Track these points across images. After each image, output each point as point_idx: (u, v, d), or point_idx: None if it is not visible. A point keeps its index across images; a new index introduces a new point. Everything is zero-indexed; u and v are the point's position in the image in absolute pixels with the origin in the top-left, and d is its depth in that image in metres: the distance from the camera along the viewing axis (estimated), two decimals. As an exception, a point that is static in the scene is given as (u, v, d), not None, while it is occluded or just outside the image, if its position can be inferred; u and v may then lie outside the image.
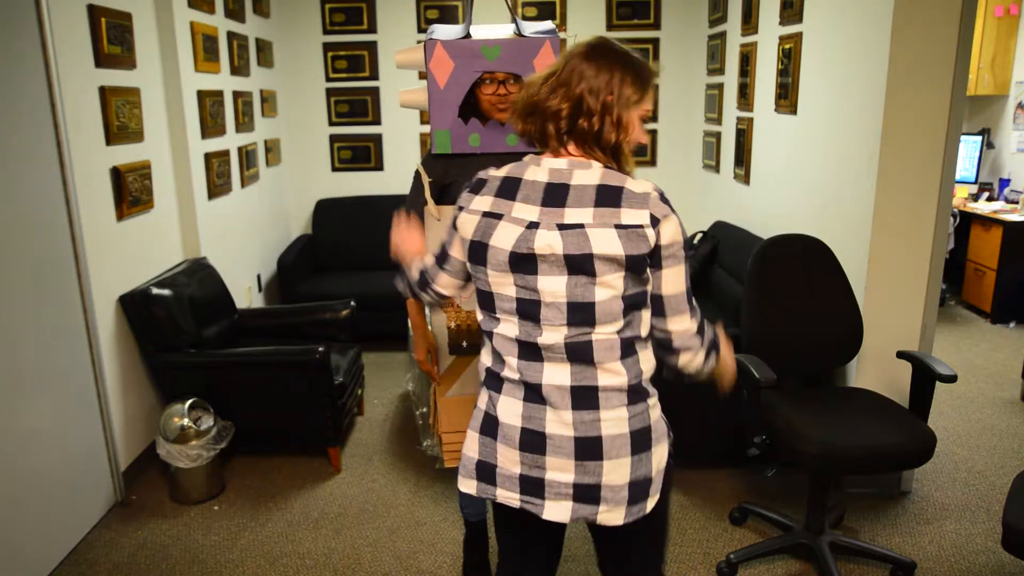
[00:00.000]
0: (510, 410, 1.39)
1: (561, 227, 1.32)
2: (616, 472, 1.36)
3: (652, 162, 5.26)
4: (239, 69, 4.19)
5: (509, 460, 1.40)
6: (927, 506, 2.84)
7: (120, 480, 2.94)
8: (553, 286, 1.33)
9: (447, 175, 2.08)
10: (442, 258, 1.52)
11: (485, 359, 1.46)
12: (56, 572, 2.53)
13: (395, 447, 3.40)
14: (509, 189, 1.39)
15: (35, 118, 2.53)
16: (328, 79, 5.11)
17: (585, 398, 1.35)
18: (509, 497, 1.42)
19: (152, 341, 3.03)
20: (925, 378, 2.40)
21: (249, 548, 2.66)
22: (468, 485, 1.47)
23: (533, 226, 1.33)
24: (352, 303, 3.70)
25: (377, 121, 5.17)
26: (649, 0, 4.99)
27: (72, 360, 2.71)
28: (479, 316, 1.45)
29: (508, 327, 1.39)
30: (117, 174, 3.00)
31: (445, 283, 1.55)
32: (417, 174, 2.11)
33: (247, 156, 4.31)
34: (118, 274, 3.00)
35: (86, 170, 2.79)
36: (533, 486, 1.39)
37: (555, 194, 1.35)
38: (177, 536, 2.74)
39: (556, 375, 1.35)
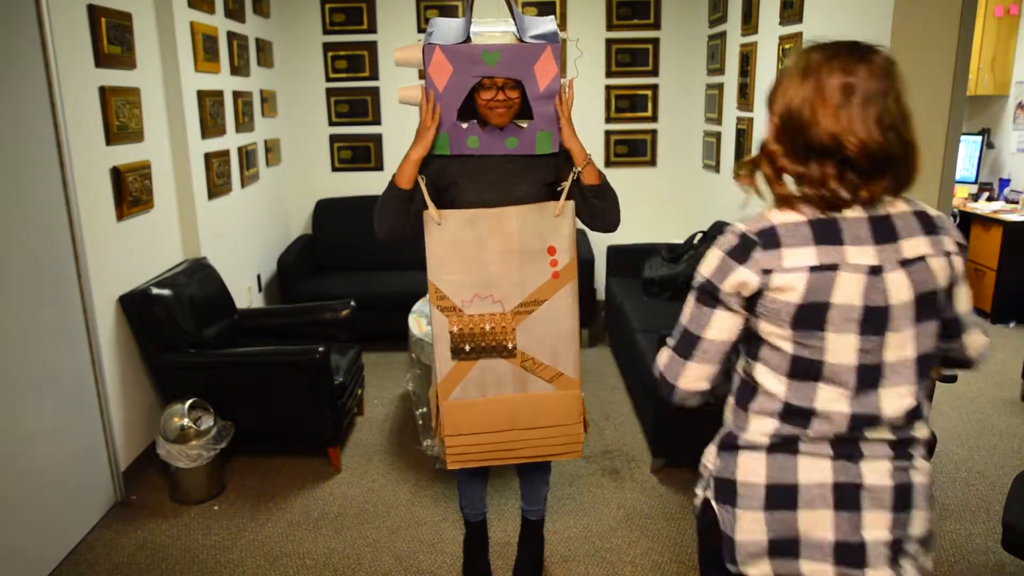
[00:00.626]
0: (826, 476, 1.21)
1: (904, 264, 1.16)
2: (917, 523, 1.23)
3: (652, 162, 5.27)
4: (239, 69, 4.19)
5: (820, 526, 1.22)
6: (927, 506, 2.84)
7: (120, 480, 2.94)
8: (903, 341, 1.16)
9: (445, 175, 2.07)
10: (690, 345, 1.27)
11: (751, 426, 1.25)
12: (56, 572, 2.53)
13: (395, 447, 3.40)
14: (839, 233, 1.16)
15: (35, 118, 2.53)
16: (328, 79, 5.11)
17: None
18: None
19: (152, 341, 3.03)
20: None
21: (249, 548, 2.66)
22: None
23: (876, 271, 1.15)
24: (352, 303, 3.70)
25: (377, 121, 5.17)
26: (649, 0, 4.99)
27: (72, 360, 2.72)
28: (769, 383, 1.23)
29: (833, 399, 1.18)
30: (117, 174, 3.00)
31: (696, 375, 1.28)
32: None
33: (247, 156, 4.31)
34: (118, 274, 3.00)
35: (86, 170, 2.79)
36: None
37: (883, 228, 1.17)
38: (177, 536, 2.74)
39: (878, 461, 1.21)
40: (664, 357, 1.31)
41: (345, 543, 2.68)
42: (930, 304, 1.18)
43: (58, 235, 2.64)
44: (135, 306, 2.99)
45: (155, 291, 3.02)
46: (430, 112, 1.95)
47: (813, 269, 1.15)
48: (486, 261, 2.03)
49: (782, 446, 1.24)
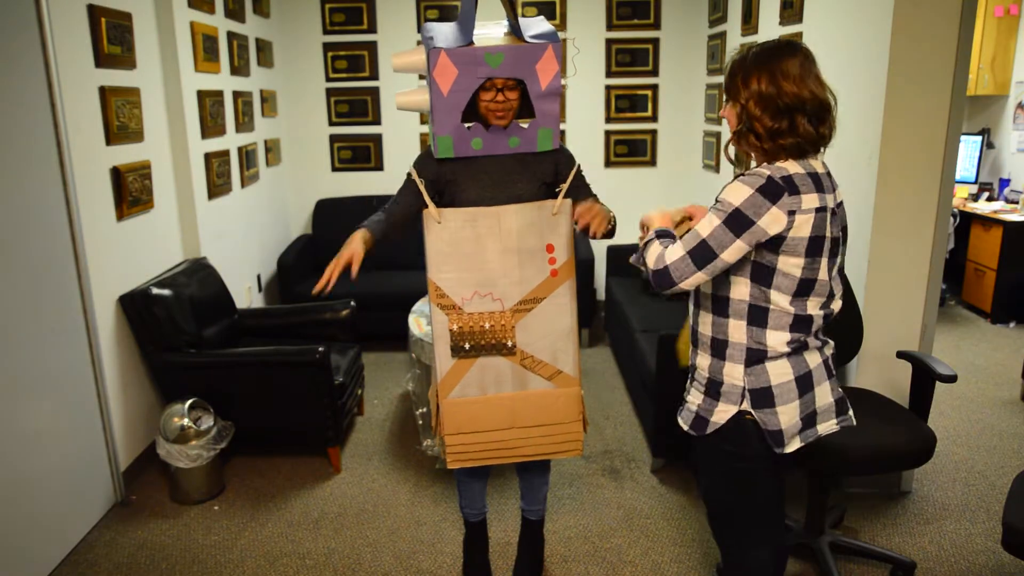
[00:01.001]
0: (817, 360, 1.69)
1: (837, 207, 1.62)
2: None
3: (652, 162, 5.27)
4: (239, 69, 4.19)
5: (825, 393, 1.72)
6: (927, 506, 2.84)
7: (120, 480, 2.94)
8: (837, 262, 1.65)
9: (445, 174, 2.08)
10: (707, 258, 1.56)
11: (774, 340, 1.63)
12: (56, 572, 2.53)
13: (395, 447, 3.40)
14: (821, 183, 1.57)
15: (35, 118, 2.53)
16: (328, 79, 5.11)
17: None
18: (830, 427, 1.74)
19: (152, 341, 3.03)
20: (925, 378, 2.40)
21: (249, 548, 2.66)
22: (795, 444, 1.68)
23: (833, 212, 1.59)
24: (352, 303, 3.70)
25: (377, 121, 5.17)
26: (649, 0, 4.99)
27: (72, 360, 2.71)
28: (783, 302, 1.61)
29: (814, 306, 1.63)
30: (117, 174, 3.00)
31: (697, 281, 1.60)
32: (409, 177, 2.11)
33: (247, 156, 4.31)
34: (118, 274, 3.00)
35: (86, 170, 2.79)
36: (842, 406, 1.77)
37: (829, 180, 1.62)
38: (177, 536, 2.74)
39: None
40: (675, 256, 1.59)
41: (345, 543, 2.68)
42: (844, 235, 1.67)
43: (58, 235, 2.64)
44: (135, 306, 2.99)
45: (155, 291, 3.02)
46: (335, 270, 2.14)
47: (818, 211, 1.54)
48: (485, 259, 2.04)
49: (798, 349, 1.65)
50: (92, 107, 2.86)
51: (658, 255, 1.61)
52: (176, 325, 3.04)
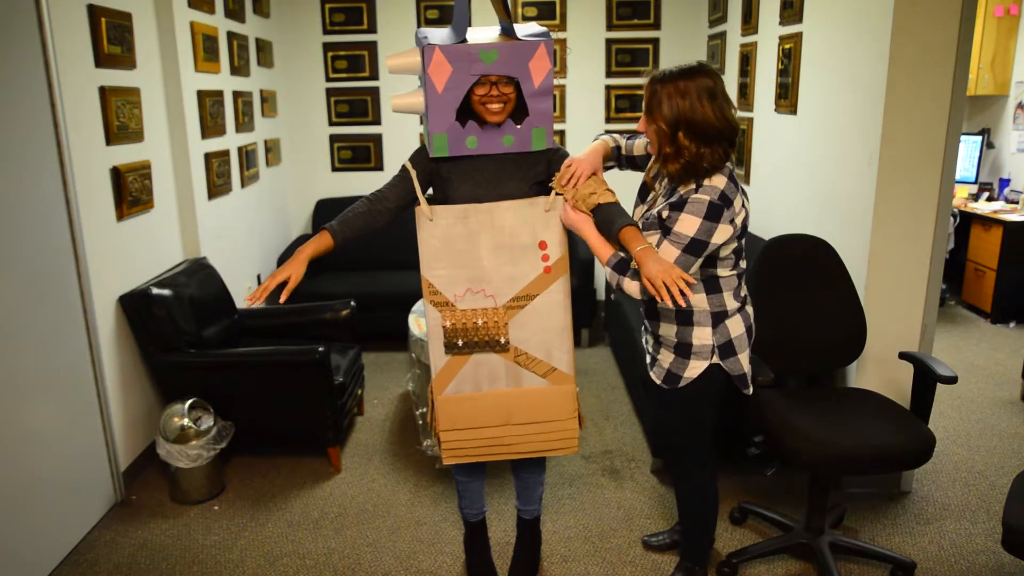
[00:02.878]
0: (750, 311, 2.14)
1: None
2: None
3: (652, 162, 5.26)
4: (239, 69, 4.19)
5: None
6: (927, 506, 2.84)
7: (120, 480, 2.94)
8: None
9: (438, 172, 2.08)
10: (700, 250, 1.90)
11: (730, 302, 2.03)
12: (56, 572, 2.53)
13: (395, 447, 3.40)
14: (734, 177, 1.96)
15: (35, 118, 2.53)
16: (328, 79, 5.11)
17: None
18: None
19: (152, 341, 3.03)
20: (926, 379, 2.39)
21: (249, 548, 2.66)
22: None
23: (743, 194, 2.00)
24: (352, 303, 3.70)
25: (377, 121, 5.17)
26: (649, 0, 4.99)
27: (72, 360, 2.72)
28: (727, 272, 2.01)
29: (741, 264, 2.05)
30: (117, 174, 3.00)
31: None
32: (404, 170, 2.11)
33: (247, 156, 4.31)
34: (118, 274, 3.00)
35: (86, 170, 2.79)
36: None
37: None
38: (177, 536, 2.74)
39: None
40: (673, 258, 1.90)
41: (345, 543, 2.68)
42: None
43: (58, 235, 2.64)
44: (135, 306, 2.99)
45: (155, 291, 3.02)
46: (270, 286, 2.14)
47: (743, 207, 1.95)
48: (478, 256, 2.04)
49: (742, 305, 2.09)
50: (92, 107, 2.86)
51: (639, 288, 1.88)
52: (176, 325, 3.04)
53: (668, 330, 2.08)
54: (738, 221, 1.93)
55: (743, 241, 2.03)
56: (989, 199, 5.44)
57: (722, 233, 1.90)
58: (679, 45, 5.05)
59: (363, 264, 4.93)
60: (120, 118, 3.01)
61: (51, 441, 2.57)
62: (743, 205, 1.95)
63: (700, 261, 1.92)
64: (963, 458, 3.20)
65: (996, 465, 3.14)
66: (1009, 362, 4.30)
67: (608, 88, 5.13)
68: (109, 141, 2.95)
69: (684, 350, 2.06)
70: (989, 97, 5.57)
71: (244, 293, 4.26)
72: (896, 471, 2.83)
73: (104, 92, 2.91)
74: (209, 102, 3.73)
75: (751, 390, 2.12)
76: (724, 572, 2.43)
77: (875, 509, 2.82)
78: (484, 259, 2.04)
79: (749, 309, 2.12)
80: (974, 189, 5.55)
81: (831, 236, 2.76)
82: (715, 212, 1.88)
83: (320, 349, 3.01)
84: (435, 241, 2.05)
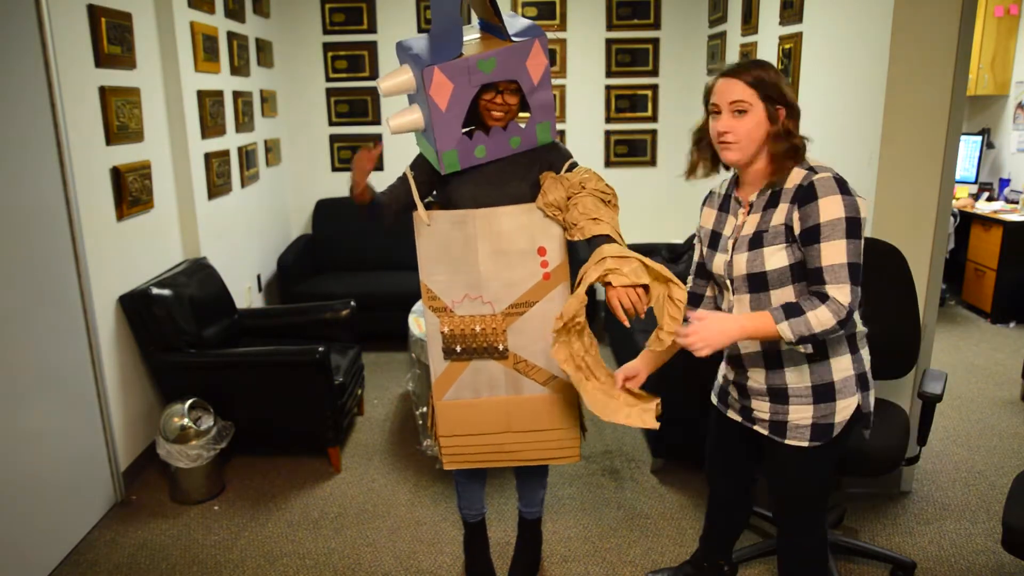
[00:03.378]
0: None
1: None
2: None
3: (652, 162, 5.27)
4: (239, 69, 4.19)
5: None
6: (927, 506, 2.84)
7: (120, 480, 2.94)
8: None
9: (439, 174, 2.07)
10: (860, 272, 1.65)
11: (858, 322, 1.78)
12: (56, 572, 2.53)
13: (395, 447, 3.40)
14: None
15: (35, 118, 2.53)
16: (328, 79, 5.11)
17: None
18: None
19: (152, 341, 3.03)
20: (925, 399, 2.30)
21: (249, 548, 2.66)
22: None
23: None
24: (352, 303, 3.70)
25: (377, 121, 5.17)
26: (649, 0, 4.99)
27: (72, 360, 2.71)
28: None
29: None
30: (117, 174, 3.00)
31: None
32: (404, 177, 2.10)
33: (247, 156, 4.31)
34: (118, 274, 3.00)
35: (86, 170, 2.79)
36: None
37: None
38: (177, 536, 2.74)
39: None
40: (845, 295, 1.61)
41: (345, 543, 2.68)
42: None
43: (58, 235, 2.64)
44: (135, 306, 2.99)
45: (155, 291, 3.02)
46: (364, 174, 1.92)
47: None
48: (475, 262, 2.02)
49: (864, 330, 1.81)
50: (92, 107, 2.86)
51: (832, 310, 1.59)
52: (176, 325, 3.04)
53: (799, 377, 1.75)
54: (864, 205, 1.67)
55: None
56: (989, 199, 5.44)
57: (863, 205, 1.64)
58: (679, 45, 5.05)
59: (363, 264, 4.93)
60: (120, 118, 3.01)
61: (51, 441, 2.57)
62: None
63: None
64: (963, 458, 3.20)
65: (996, 465, 3.14)
66: (1009, 362, 4.30)
67: (608, 88, 5.13)
68: (109, 141, 2.95)
69: (826, 393, 1.73)
70: (989, 97, 5.56)
71: (244, 294, 4.26)
72: (861, 476, 2.77)
73: (104, 92, 2.91)
74: (209, 102, 3.73)
75: (869, 432, 1.88)
76: (724, 572, 2.43)
77: (875, 509, 2.82)
78: (481, 265, 2.02)
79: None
80: (974, 189, 5.55)
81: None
82: (845, 185, 1.63)
83: (320, 349, 3.01)
84: (433, 247, 2.04)
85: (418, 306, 3.43)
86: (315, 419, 3.11)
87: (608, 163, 5.24)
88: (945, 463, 3.15)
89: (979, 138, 5.46)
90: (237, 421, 3.07)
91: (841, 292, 1.60)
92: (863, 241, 1.64)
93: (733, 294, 1.80)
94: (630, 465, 3.19)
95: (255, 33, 4.51)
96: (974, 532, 2.67)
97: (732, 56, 4.41)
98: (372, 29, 5.03)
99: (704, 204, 1.98)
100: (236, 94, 4.14)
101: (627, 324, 1.79)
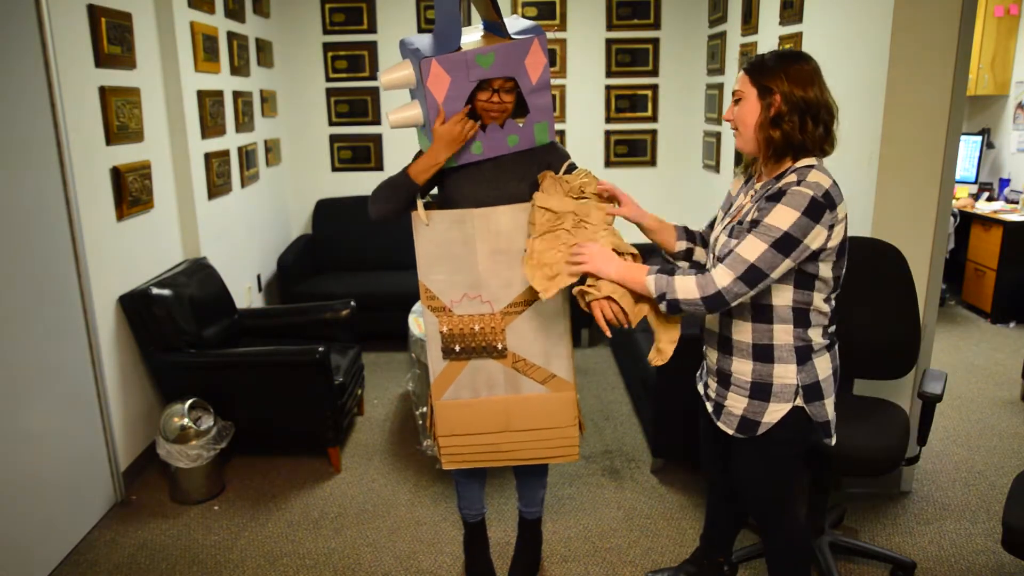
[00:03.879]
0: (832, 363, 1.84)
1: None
2: None
3: (652, 162, 5.27)
4: (239, 69, 4.19)
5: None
6: (927, 506, 2.84)
7: (120, 480, 2.94)
8: None
9: (439, 172, 2.07)
10: (758, 279, 1.66)
11: (816, 337, 1.78)
12: (56, 572, 2.53)
13: (395, 447, 3.40)
14: (839, 190, 1.70)
15: (35, 118, 2.53)
16: (328, 79, 5.11)
17: None
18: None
19: (152, 341, 3.03)
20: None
21: (249, 548, 2.66)
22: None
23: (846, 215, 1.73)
24: (352, 303, 3.70)
25: (377, 121, 5.17)
26: (649, 0, 4.99)
27: (72, 360, 2.71)
28: (820, 302, 1.75)
29: (833, 300, 1.80)
30: (117, 174, 3.00)
31: (746, 298, 1.72)
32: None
33: (247, 156, 4.31)
34: (118, 274, 3.00)
35: (86, 170, 2.79)
36: None
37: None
38: (177, 536, 2.74)
39: None
40: (725, 280, 1.67)
41: (345, 543, 2.68)
42: None
43: (58, 235, 2.64)
44: (135, 306, 2.99)
45: (155, 291, 3.02)
46: (462, 121, 1.89)
47: (846, 217, 1.70)
48: (474, 261, 2.02)
49: (831, 343, 1.82)
50: (92, 107, 2.86)
51: (700, 283, 1.67)
52: (176, 325, 3.04)
53: (742, 366, 1.82)
54: (837, 231, 1.67)
55: (843, 267, 1.76)
56: (989, 199, 5.44)
57: (817, 236, 1.63)
58: (679, 45, 5.06)
59: (363, 264, 4.93)
60: (120, 118, 3.01)
61: (51, 441, 2.57)
62: (845, 217, 1.70)
63: (791, 265, 1.66)
64: (963, 458, 3.20)
65: (996, 465, 3.14)
66: (1009, 362, 4.30)
67: (608, 88, 5.13)
68: (109, 141, 2.95)
69: (762, 391, 1.80)
70: (989, 97, 5.57)
71: (244, 294, 4.26)
72: (860, 476, 2.78)
73: (104, 92, 2.91)
74: (209, 102, 3.73)
75: (834, 439, 1.87)
76: (724, 571, 2.43)
77: (875, 509, 2.82)
78: (480, 264, 2.02)
79: (836, 349, 1.86)
80: (974, 189, 5.55)
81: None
82: (816, 210, 1.62)
83: (320, 349, 3.01)
84: (432, 246, 2.04)
85: (418, 306, 3.43)
86: (315, 419, 3.11)
87: (608, 163, 5.24)
88: (945, 463, 3.15)
89: (979, 138, 5.46)
90: (237, 421, 3.07)
91: (724, 276, 1.66)
92: (786, 261, 1.64)
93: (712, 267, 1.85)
94: (630, 465, 3.19)
95: (255, 33, 4.51)
96: (974, 532, 2.67)
97: (732, 56, 4.41)
98: (372, 29, 5.03)
99: (736, 174, 2.01)
100: (236, 94, 4.14)
101: (609, 334, 1.84)
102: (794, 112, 1.67)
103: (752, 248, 1.65)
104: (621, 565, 2.53)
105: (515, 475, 2.39)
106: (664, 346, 1.83)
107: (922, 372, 2.42)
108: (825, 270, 1.72)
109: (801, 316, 1.76)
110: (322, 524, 2.80)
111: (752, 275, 1.65)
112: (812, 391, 1.79)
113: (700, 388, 2.05)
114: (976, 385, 3.99)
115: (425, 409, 3.14)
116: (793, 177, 1.68)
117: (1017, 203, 5.20)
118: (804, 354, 1.77)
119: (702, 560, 2.35)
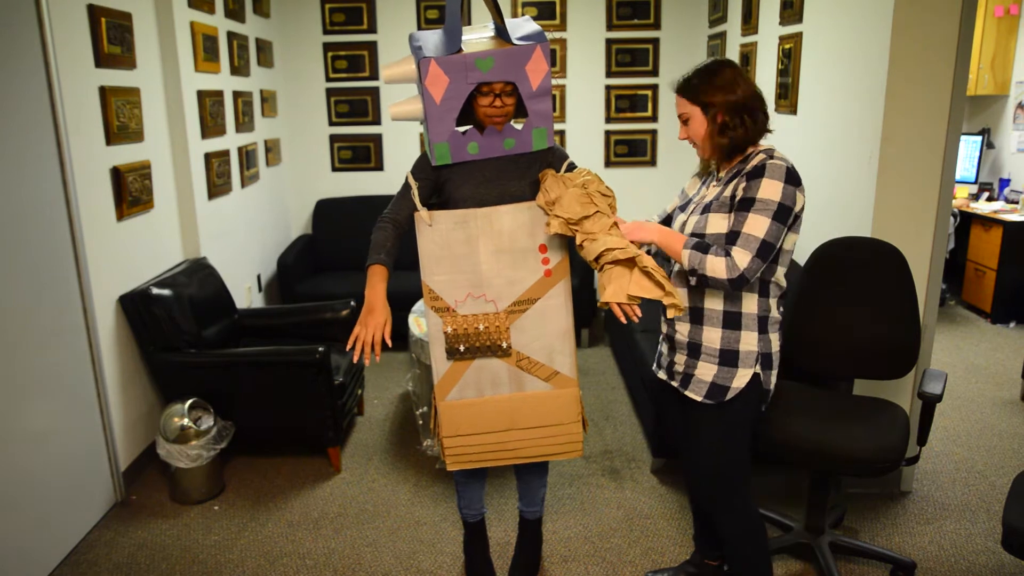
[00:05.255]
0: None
1: None
2: None
3: (652, 162, 5.27)
4: (239, 69, 4.19)
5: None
6: (927, 506, 2.84)
7: (120, 480, 2.94)
8: None
9: (440, 174, 2.08)
10: (770, 252, 1.80)
11: (773, 310, 1.94)
12: (56, 572, 2.53)
13: (395, 447, 3.40)
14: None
15: (35, 118, 2.53)
16: (328, 79, 5.11)
17: None
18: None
19: (152, 341, 3.03)
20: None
21: (249, 548, 2.66)
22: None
23: None
24: (352, 303, 3.69)
25: (377, 121, 5.17)
26: (649, 0, 4.99)
27: (72, 360, 2.72)
28: (780, 275, 1.92)
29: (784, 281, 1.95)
30: (117, 174, 3.00)
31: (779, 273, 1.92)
32: (407, 184, 2.11)
33: (247, 156, 4.31)
34: (118, 274, 3.00)
35: (86, 170, 2.79)
36: None
37: None
38: (177, 536, 2.74)
39: None
40: (745, 261, 1.78)
41: (345, 543, 2.68)
42: None
43: (58, 235, 2.64)
44: (135, 306, 2.99)
45: (155, 291, 3.02)
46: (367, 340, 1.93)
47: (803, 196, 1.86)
48: (477, 261, 2.03)
49: (781, 322, 2.00)
50: (92, 107, 2.86)
51: (726, 265, 1.78)
52: (176, 325, 3.04)
53: (713, 336, 1.93)
54: (800, 199, 1.84)
55: (795, 243, 1.92)
56: (989, 199, 5.44)
57: (799, 201, 1.82)
58: (679, 45, 5.05)
59: (363, 264, 4.92)
60: (120, 118, 3.01)
61: (51, 441, 2.57)
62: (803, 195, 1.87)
63: (783, 233, 1.81)
64: (963, 458, 3.20)
65: (996, 465, 3.14)
66: (1009, 362, 4.30)
67: (608, 88, 5.13)
68: (109, 141, 2.95)
69: (730, 358, 1.92)
70: (989, 97, 5.57)
71: (244, 294, 4.26)
72: (853, 475, 2.77)
73: (104, 92, 2.91)
74: (209, 102, 3.73)
75: (765, 407, 2.05)
76: (724, 571, 2.43)
77: (875, 509, 2.82)
78: (484, 264, 2.03)
79: (781, 331, 2.02)
80: (974, 189, 5.55)
81: (831, 236, 2.76)
82: (794, 177, 1.81)
83: (320, 349, 3.01)
84: (435, 247, 2.04)
85: (418, 306, 3.43)
86: (315, 419, 3.11)
87: (608, 163, 5.24)
88: (945, 463, 3.15)
89: (979, 138, 5.46)
90: (237, 421, 3.07)
91: (743, 258, 1.78)
92: (786, 229, 1.82)
93: None
94: (630, 465, 3.19)
95: (255, 33, 4.51)
96: (974, 532, 2.67)
97: (732, 56, 4.42)
98: (372, 29, 5.03)
99: (694, 175, 2.12)
100: (236, 94, 4.14)
101: (624, 321, 1.89)
102: (735, 116, 1.83)
103: (758, 225, 1.78)
104: (621, 565, 2.53)
105: (516, 475, 2.39)
106: (671, 298, 1.83)
107: (922, 372, 2.42)
108: (789, 242, 1.88)
109: (764, 287, 1.92)
110: (322, 524, 2.80)
111: (765, 249, 1.78)
112: (767, 360, 1.95)
113: (662, 374, 2.14)
114: (976, 385, 3.99)
115: (425, 409, 3.14)
116: (762, 156, 1.85)
117: (1017, 203, 5.20)
118: (763, 325, 1.93)
119: (701, 561, 2.36)
